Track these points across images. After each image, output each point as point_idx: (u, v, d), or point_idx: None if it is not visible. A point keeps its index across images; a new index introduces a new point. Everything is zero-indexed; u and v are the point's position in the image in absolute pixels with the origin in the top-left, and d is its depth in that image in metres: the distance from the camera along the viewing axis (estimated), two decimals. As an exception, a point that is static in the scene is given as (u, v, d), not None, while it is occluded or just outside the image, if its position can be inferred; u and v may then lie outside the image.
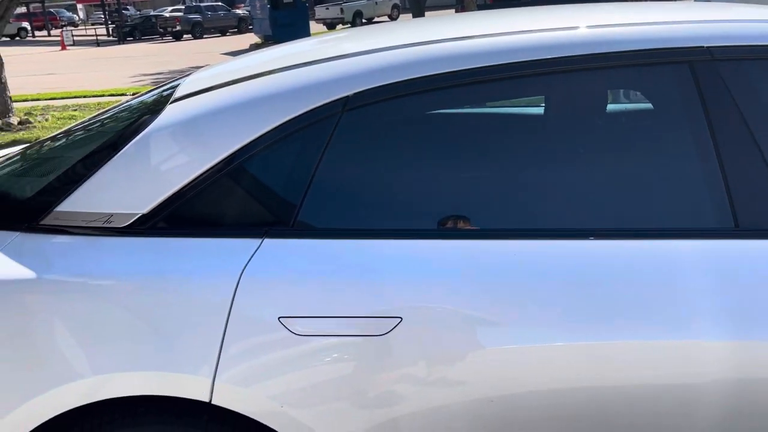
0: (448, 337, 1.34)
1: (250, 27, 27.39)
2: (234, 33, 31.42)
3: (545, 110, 1.94)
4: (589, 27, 1.54)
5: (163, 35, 32.04)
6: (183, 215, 1.44)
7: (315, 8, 29.06)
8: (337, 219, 1.44)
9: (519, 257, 1.36)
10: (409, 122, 1.53)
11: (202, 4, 33.22)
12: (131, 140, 1.51)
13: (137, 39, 32.76)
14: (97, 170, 1.48)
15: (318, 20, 27.85)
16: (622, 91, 2.16)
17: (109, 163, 1.49)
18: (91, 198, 1.46)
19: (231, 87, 1.60)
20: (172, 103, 1.63)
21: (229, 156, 1.45)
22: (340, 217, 1.45)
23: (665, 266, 1.35)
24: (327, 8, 28.83)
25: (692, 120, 1.41)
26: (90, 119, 2.02)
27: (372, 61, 1.53)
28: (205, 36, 30.50)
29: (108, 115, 1.95)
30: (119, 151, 1.50)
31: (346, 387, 1.35)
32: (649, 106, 1.67)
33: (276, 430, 1.38)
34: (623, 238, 1.38)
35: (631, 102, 2.08)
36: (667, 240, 1.37)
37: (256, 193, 1.47)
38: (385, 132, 1.51)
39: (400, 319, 1.33)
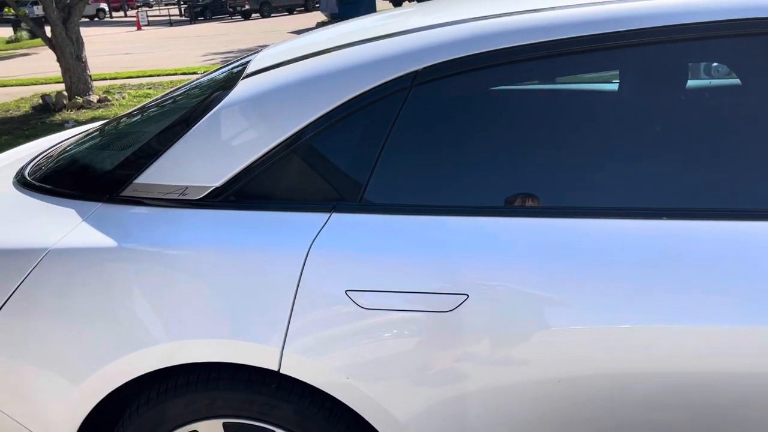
0: (514, 316, 1.32)
1: (317, 5, 27.50)
2: (301, 11, 31.68)
3: (619, 86, 1.86)
4: None
5: (232, 14, 32.68)
6: (254, 189, 1.47)
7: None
8: (404, 195, 1.44)
9: (587, 236, 1.32)
10: (479, 97, 1.50)
11: (270, -17, 33.61)
12: (204, 116, 1.55)
13: (208, 18, 33.54)
14: (171, 145, 1.53)
15: (385, -2, 27.67)
16: (703, 66, 2.05)
17: (182, 138, 1.53)
18: (166, 171, 1.52)
19: (299, 63, 1.62)
20: (243, 79, 1.66)
21: (297, 132, 1.46)
22: (408, 193, 1.44)
23: (744, 248, 1.28)
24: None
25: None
26: (163, 96, 2.08)
27: (441, 35, 1.50)
28: (272, 15, 30.90)
29: (180, 92, 2.01)
30: (192, 127, 1.54)
31: (411, 362, 1.36)
32: (728, 81, 1.57)
33: (341, 401, 1.40)
34: (698, 218, 1.31)
35: (712, 77, 1.97)
36: (747, 221, 1.30)
37: (325, 169, 1.49)
38: (454, 107, 1.49)
39: (466, 296, 1.32)
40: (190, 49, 17.44)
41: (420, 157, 1.47)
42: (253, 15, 31.04)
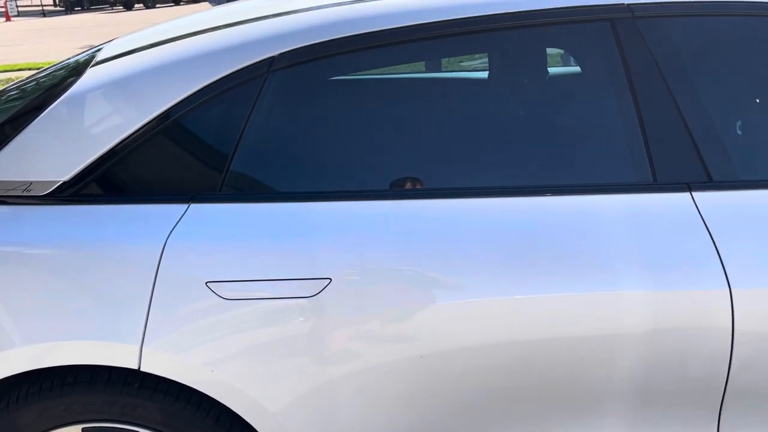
0: (378, 297, 1.34)
1: (204, -5, 26.63)
2: (189, 2, 30.53)
3: (489, 74, 1.94)
4: None
5: (113, 4, 30.95)
6: (106, 182, 1.40)
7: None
8: (264, 182, 1.43)
9: (447, 216, 1.37)
10: (338, 83, 1.51)
11: (153, -28, 32.12)
12: (47, 107, 1.46)
13: (85, 9, 31.57)
14: (12, 139, 1.43)
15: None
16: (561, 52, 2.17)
17: (24, 131, 1.43)
18: (8, 166, 1.42)
19: (152, 50, 1.56)
20: (92, 66, 1.58)
21: (149, 122, 1.41)
22: (268, 180, 1.43)
23: (589, 221, 1.37)
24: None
25: (613, 78, 1.43)
26: (8, 88, 1.94)
27: (299, 20, 1.50)
28: (158, 5, 29.57)
29: (28, 83, 1.88)
30: (34, 120, 1.44)
31: (277, 350, 1.35)
32: (575, 67, 1.69)
33: (209, 395, 1.38)
34: (548, 194, 1.40)
35: (564, 64, 2.10)
36: (590, 195, 1.40)
37: (181, 159, 1.44)
38: (314, 93, 1.49)
39: (329, 280, 1.33)
40: (66, 41, 16.37)
41: (280, 144, 1.46)
42: (137, 5, 29.56)
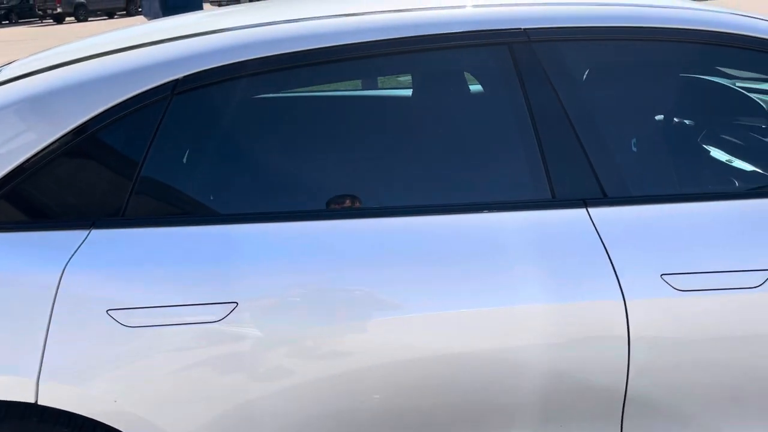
0: (285, 319, 1.34)
1: (140, 9, 26.08)
2: (122, 15, 29.82)
3: (414, 90, 1.96)
4: (419, 9, 1.58)
5: (42, 18, 29.92)
6: (2, 208, 1.36)
7: (208, -9, 28.03)
8: (169, 206, 1.41)
9: (349, 236, 1.39)
10: (242, 105, 1.51)
11: (85, -15, 31.26)
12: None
13: (13, 22, 30.42)
14: None
15: (213, 2, 26.91)
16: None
17: None
18: None
19: (55, 72, 1.52)
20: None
21: (49, 145, 1.37)
22: (173, 203, 1.42)
23: (493, 238, 1.41)
24: (220, -9, 27.90)
25: (513, 100, 1.48)
26: None
27: (204, 43, 1.50)
28: (90, 19, 28.76)
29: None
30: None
31: (182, 377, 1.33)
32: (477, 87, 1.73)
33: (114, 427, 1.34)
34: (454, 213, 1.43)
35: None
36: (495, 213, 1.44)
37: (83, 183, 1.41)
38: (219, 115, 1.49)
39: (235, 304, 1.32)
40: (-9, 56, 15.73)
41: (186, 167, 1.45)
42: (68, 19, 28.67)
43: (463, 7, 1.57)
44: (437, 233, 1.40)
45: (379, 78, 2.08)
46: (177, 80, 1.42)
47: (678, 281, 1.40)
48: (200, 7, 19.45)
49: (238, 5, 2.11)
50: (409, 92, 1.91)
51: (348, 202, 1.44)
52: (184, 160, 1.45)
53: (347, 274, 1.36)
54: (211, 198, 1.44)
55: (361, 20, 1.52)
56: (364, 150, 1.52)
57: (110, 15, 29.68)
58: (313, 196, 1.46)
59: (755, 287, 1.42)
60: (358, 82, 2.05)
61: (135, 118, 1.41)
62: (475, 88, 1.69)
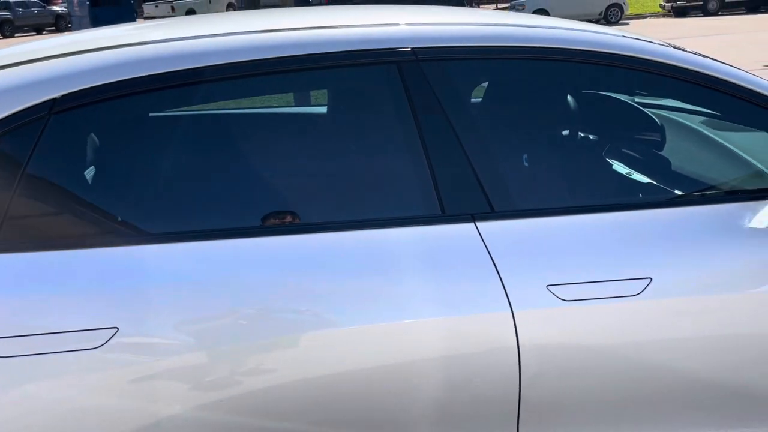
0: (168, 343, 1.31)
1: (69, 25, 25.31)
2: (52, 31, 28.87)
3: (326, 107, 1.96)
4: (307, 28, 1.58)
5: (-36, 33, 28.63)
6: None
7: (144, 5, 27.50)
8: (45, 229, 1.36)
9: (237, 256, 1.37)
10: (126, 124, 1.48)
11: (11, 0, 30.13)
12: None
13: (-65, 37, 28.99)
14: None
15: (147, 18, 26.41)
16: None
17: None
18: None
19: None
20: None
21: None
22: (50, 227, 1.37)
23: (385, 253, 1.42)
24: (156, 6, 27.41)
25: (402, 118, 1.51)
26: None
27: (84, 61, 1.46)
28: (17, 35, 27.73)
29: None
30: None
31: (63, 407, 1.28)
32: (369, 105, 1.74)
33: None
34: (342, 230, 1.43)
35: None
36: (387, 229, 1.45)
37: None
38: (101, 135, 1.45)
39: (116, 330, 1.28)
40: None
41: (64, 189, 1.40)
42: (-7, 34, 27.57)
43: (352, 26, 1.59)
44: (328, 250, 1.40)
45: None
46: (55, 99, 1.38)
47: (563, 291, 1.45)
48: (132, 21, 19.12)
49: (162, 20, 2.10)
50: (305, 110, 1.91)
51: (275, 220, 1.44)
52: (65, 183, 1.40)
53: (239, 294, 1.34)
54: (89, 221, 1.39)
55: (249, 39, 1.52)
56: (253, 166, 1.51)
57: (38, 31, 28.70)
58: (198, 216, 1.44)
59: (636, 295, 1.47)
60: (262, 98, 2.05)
61: (9, 139, 1.35)
62: (365, 106, 1.70)
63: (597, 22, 19.58)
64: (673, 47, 1.75)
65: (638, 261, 1.49)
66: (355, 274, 1.40)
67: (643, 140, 2.08)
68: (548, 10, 19.19)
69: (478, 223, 1.46)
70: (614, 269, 1.48)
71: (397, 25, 1.61)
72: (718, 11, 19.83)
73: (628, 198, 1.63)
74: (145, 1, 28.42)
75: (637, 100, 2.19)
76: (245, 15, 2.05)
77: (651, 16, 21.27)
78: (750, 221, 1.56)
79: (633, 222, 1.54)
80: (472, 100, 1.57)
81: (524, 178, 1.64)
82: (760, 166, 1.93)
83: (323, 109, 1.70)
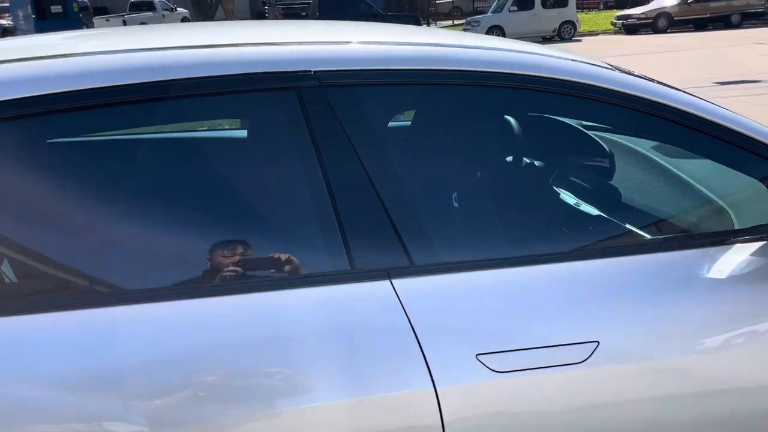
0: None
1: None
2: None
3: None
4: (195, 47, 1.33)
5: None
6: None
7: (94, 19, 26.75)
8: None
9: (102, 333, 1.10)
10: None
11: (-48, 13, 29.03)
12: None
13: None
14: None
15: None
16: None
17: None
18: None
19: None
20: None
21: None
22: None
23: (277, 322, 1.17)
24: (108, 20, 26.67)
25: (302, 153, 1.26)
26: None
27: None
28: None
29: None
30: None
31: None
32: (262, 140, 1.48)
33: None
34: (225, 293, 1.17)
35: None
36: (279, 291, 1.20)
37: None
38: None
39: None
40: None
41: None
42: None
43: (243, 45, 1.34)
44: (203, 321, 1.14)
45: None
46: None
47: (496, 361, 1.21)
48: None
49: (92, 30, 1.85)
50: (192, 138, 1.63)
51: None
52: None
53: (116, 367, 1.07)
54: None
55: (127, 59, 1.25)
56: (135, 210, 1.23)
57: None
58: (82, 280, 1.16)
59: (581, 362, 1.25)
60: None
61: None
62: (258, 141, 1.45)
63: (551, 39, 19.80)
64: (620, 71, 1.55)
65: (584, 322, 1.27)
66: (238, 351, 1.14)
67: (592, 169, 1.88)
68: (503, 27, 19.32)
69: (394, 281, 1.22)
70: (556, 333, 1.26)
71: (298, 43, 1.36)
72: (667, 29, 20.24)
73: (572, 244, 1.41)
74: (97, 15, 27.67)
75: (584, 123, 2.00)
76: (154, 29, 1.78)
77: (603, 33, 21.58)
78: (709, 270, 1.36)
79: (579, 275, 1.32)
80: (387, 132, 1.33)
81: (452, 224, 1.40)
82: (717, 200, 1.74)
83: (200, 150, 1.42)
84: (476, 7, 29.26)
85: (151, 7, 27.19)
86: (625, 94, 1.38)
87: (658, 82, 1.52)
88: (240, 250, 1.23)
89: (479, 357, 1.21)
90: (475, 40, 1.55)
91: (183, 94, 1.23)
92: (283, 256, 1.23)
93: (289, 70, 1.26)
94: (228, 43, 1.38)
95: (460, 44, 1.46)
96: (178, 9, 28.01)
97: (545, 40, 19.76)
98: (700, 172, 1.83)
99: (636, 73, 1.56)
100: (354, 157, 1.25)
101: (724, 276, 1.36)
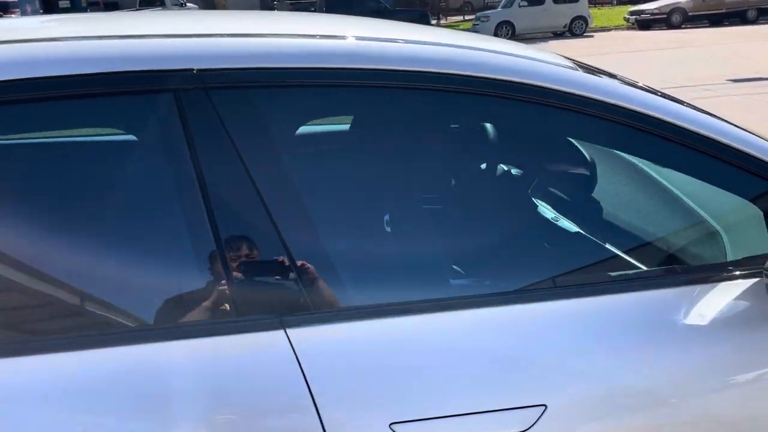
0: None
1: None
2: None
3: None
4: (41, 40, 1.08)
5: None
6: None
7: (103, 15, 26.66)
8: None
9: None
10: None
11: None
12: None
13: None
14: None
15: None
16: None
17: None
18: None
19: None
20: None
21: None
22: None
23: (137, 385, 0.94)
24: (115, 15, 26.58)
25: (177, 173, 1.02)
26: None
27: None
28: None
29: None
30: None
31: None
32: (128, 153, 1.22)
33: None
34: (72, 348, 0.94)
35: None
36: (145, 344, 0.96)
37: None
38: None
39: None
40: None
41: None
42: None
43: (109, 37, 1.10)
44: (50, 385, 0.91)
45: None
46: None
47: None
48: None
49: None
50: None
51: None
52: None
53: None
54: None
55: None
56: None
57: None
58: None
59: (524, 431, 1.01)
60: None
61: None
62: (125, 153, 1.19)
63: (562, 34, 19.37)
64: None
65: (530, 382, 1.03)
66: (87, 420, 0.90)
67: (566, 181, 1.63)
68: (513, 22, 18.95)
69: (290, 330, 0.98)
70: (495, 395, 1.01)
71: (177, 35, 1.11)
72: (681, 24, 19.74)
73: (521, 281, 1.16)
74: (106, 10, 27.59)
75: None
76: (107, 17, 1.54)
77: (616, 29, 21.12)
78: (687, 315, 1.11)
79: (525, 321, 1.07)
80: (290, 146, 1.09)
81: (365, 258, 1.15)
82: (709, 219, 1.48)
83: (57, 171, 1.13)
84: (487, 3, 28.82)
85: (161, 3, 27.08)
86: (579, 97, 1.13)
87: (629, 83, 1.26)
88: (98, 292, 1.00)
89: (394, 427, 0.97)
90: (414, 32, 1.30)
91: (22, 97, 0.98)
92: (154, 300, 1.00)
93: (165, 68, 1.02)
94: (76, 36, 1.13)
95: (387, 38, 1.20)
96: (188, 4, 27.90)
97: (556, 35, 19.37)
98: (692, 183, 1.57)
99: (603, 73, 1.30)
100: (245, 176, 1.00)
101: (705, 322, 1.11)
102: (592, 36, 19.43)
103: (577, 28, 19.72)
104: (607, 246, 1.40)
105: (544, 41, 18.19)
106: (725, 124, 1.23)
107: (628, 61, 12.14)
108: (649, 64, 11.46)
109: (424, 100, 1.14)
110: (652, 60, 12.24)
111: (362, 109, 1.23)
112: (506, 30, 18.61)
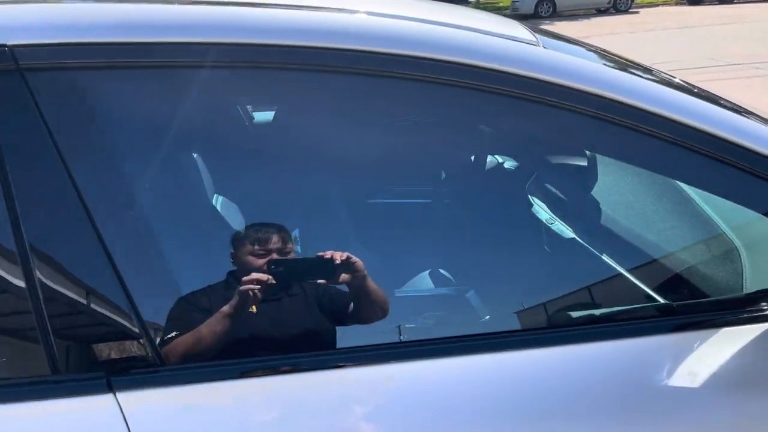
0: None
1: None
2: None
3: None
4: None
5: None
6: None
7: None
8: None
9: None
10: None
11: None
12: None
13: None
14: None
15: None
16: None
17: None
18: None
19: None
20: None
21: None
22: None
23: None
24: None
25: None
26: None
27: None
28: None
29: None
30: None
31: None
32: None
33: None
34: None
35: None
36: None
37: None
38: None
39: None
40: None
41: None
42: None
43: None
44: None
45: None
46: None
47: None
48: None
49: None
50: None
51: None
52: None
53: None
54: None
55: None
56: None
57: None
58: None
59: None
60: None
61: None
62: None
63: (606, 11, 18.51)
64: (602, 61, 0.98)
65: None
66: None
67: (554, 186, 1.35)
68: (555, -1, 18.22)
69: (120, 395, 0.74)
70: None
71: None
72: (735, -1, 18.69)
73: (472, 326, 0.89)
74: None
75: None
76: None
77: (664, 4, 20.11)
78: (673, 373, 0.82)
79: (479, 379, 0.80)
80: (129, 154, 0.83)
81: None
82: (726, 231, 1.17)
83: None
84: (529, -21, 27.89)
85: None
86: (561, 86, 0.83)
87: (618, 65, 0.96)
88: None
89: None
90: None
91: None
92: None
93: None
94: None
95: (294, 4, 0.93)
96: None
97: (599, 12, 18.53)
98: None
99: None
100: (68, 182, 0.76)
101: (697, 384, 0.82)
102: (637, 12, 18.53)
103: (621, 4, 18.83)
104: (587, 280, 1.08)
105: (586, 18, 17.43)
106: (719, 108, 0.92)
107: (673, 37, 11.47)
108: (695, 41, 10.79)
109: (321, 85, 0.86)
110: (701, 36, 11.53)
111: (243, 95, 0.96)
112: (547, 7, 17.87)
